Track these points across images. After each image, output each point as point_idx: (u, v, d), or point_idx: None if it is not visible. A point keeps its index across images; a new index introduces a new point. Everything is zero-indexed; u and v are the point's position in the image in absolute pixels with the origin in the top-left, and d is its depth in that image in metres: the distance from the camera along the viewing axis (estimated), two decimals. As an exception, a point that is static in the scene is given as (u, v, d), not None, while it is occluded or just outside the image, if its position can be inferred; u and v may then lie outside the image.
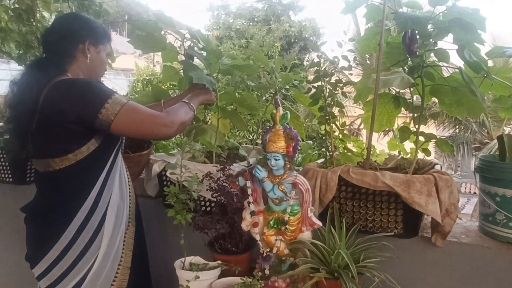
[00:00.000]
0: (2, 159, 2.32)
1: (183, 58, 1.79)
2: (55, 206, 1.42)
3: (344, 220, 1.46)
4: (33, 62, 1.56)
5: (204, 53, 1.76)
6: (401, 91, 1.75)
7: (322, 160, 1.81)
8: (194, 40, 1.74)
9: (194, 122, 1.89)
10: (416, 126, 1.59)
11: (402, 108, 1.69)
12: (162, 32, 1.74)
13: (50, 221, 1.42)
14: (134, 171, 1.86)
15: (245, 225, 1.45)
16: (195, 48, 1.75)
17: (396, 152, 1.75)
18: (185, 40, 1.76)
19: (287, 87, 1.90)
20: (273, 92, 1.89)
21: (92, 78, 1.52)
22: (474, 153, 12.10)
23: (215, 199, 1.59)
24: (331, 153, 1.72)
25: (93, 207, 1.41)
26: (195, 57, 1.75)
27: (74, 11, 2.30)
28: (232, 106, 1.94)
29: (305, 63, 14.52)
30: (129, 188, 1.56)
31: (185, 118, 1.45)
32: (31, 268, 1.46)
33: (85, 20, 1.54)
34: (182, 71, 1.86)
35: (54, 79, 1.39)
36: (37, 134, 1.41)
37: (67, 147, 1.36)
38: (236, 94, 1.88)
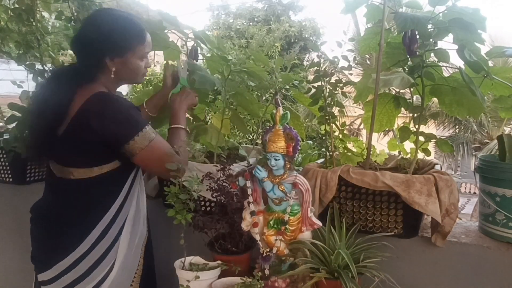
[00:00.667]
0: (2, 159, 2.32)
1: (184, 58, 1.79)
2: (76, 216, 1.39)
3: (344, 220, 1.46)
4: (63, 69, 1.48)
5: (209, 55, 1.77)
6: (401, 91, 1.75)
7: (322, 160, 1.81)
8: (198, 41, 1.74)
9: (194, 122, 1.90)
10: (416, 126, 1.59)
11: (402, 108, 1.69)
12: (165, 31, 1.75)
13: (68, 230, 1.39)
14: None
15: (245, 225, 1.45)
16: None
17: (396, 152, 1.75)
18: (188, 39, 1.76)
19: (287, 87, 1.90)
20: (273, 92, 1.89)
21: (126, 84, 1.50)
22: (474, 153, 12.10)
23: (215, 199, 1.59)
24: (331, 153, 1.72)
25: (113, 220, 1.40)
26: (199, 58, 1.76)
27: (74, 11, 2.30)
28: (232, 107, 1.94)
29: (305, 63, 14.53)
30: (145, 198, 1.56)
31: (185, 149, 1.45)
32: (38, 271, 1.43)
33: (107, 27, 1.36)
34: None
35: (87, 88, 1.34)
36: (62, 142, 1.35)
37: (92, 161, 1.35)
38: (246, 96, 1.88)
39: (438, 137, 1.66)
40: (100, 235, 1.38)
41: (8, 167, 2.32)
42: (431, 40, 1.50)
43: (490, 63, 1.54)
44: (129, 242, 1.45)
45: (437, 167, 1.59)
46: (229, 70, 1.76)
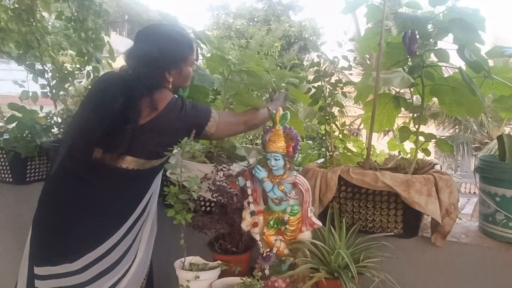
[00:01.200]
0: (2, 159, 2.32)
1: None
2: (115, 204, 1.45)
3: (344, 220, 1.46)
4: (122, 77, 1.49)
5: (209, 55, 1.77)
6: (401, 91, 1.75)
7: (322, 160, 1.81)
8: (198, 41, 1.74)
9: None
10: (416, 126, 1.59)
11: (402, 108, 1.69)
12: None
13: (106, 219, 1.43)
14: None
15: (245, 225, 1.45)
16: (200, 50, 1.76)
17: (396, 152, 1.75)
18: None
19: (286, 86, 1.90)
20: (272, 91, 1.89)
21: (179, 88, 1.61)
22: (474, 153, 12.10)
23: (215, 199, 1.59)
24: (331, 153, 1.72)
25: (142, 212, 1.50)
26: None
27: (74, 11, 2.30)
28: (232, 107, 1.94)
29: (305, 63, 14.52)
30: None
31: (260, 123, 1.66)
32: (55, 263, 1.38)
33: (164, 44, 1.47)
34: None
35: (155, 94, 1.43)
36: (144, 133, 1.42)
37: (158, 153, 1.45)
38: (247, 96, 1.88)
39: (438, 137, 1.66)
40: (131, 226, 1.46)
41: (8, 167, 2.32)
42: (431, 40, 1.50)
43: (491, 63, 1.54)
44: (148, 235, 1.55)
45: (437, 167, 1.59)
46: (229, 70, 1.76)
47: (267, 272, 1.41)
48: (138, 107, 1.40)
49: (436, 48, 1.52)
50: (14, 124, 2.26)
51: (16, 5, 2.29)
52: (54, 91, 2.38)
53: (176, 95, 1.50)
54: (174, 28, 1.54)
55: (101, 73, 2.45)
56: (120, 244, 1.43)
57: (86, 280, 1.38)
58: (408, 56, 1.55)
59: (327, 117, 1.68)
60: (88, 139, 1.41)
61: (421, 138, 1.60)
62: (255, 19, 16.52)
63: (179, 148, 1.41)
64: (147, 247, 1.57)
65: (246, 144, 2.34)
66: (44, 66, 2.36)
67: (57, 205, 1.45)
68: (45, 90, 2.39)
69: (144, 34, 1.51)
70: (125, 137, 1.38)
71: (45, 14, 2.49)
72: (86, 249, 1.39)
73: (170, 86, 1.50)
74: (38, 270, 1.42)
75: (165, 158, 1.50)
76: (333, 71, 1.68)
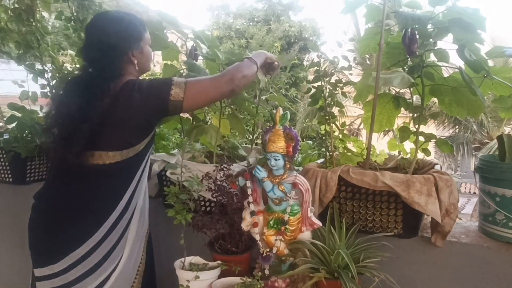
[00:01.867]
0: (2, 159, 2.32)
1: (184, 57, 1.80)
2: (92, 202, 1.42)
3: (344, 220, 1.46)
4: (84, 75, 1.50)
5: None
6: (401, 91, 1.75)
7: (322, 160, 1.81)
8: (197, 41, 1.74)
9: (194, 122, 1.90)
10: (416, 126, 1.59)
11: (402, 108, 1.69)
12: (165, 31, 1.75)
13: (85, 217, 1.41)
14: None
15: (245, 225, 1.45)
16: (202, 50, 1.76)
17: (396, 152, 1.75)
18: (188, 39, 1.76)
19: (286, 87, 1.90)
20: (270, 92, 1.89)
21: (143, 73, 1.58)
22: (474, 153, 12.10)
23: (215, 199, 1.59)
24: (331, 153, 1.72)
25: (125, 208, 1.45)
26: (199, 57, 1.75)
27: (74, 11, 2.30)
28: (232, 107, 1.94)
29: (305, 63, 14.52)
30: (147, 192, 1.60)
31: (247, 72, 1.48)
32: (43, 265, 1.41)
33: (118, 28, 1.45)
34: (182, 70, 1.86)
35: (118, 81, 1.42)
36: (100, 128, 1.39)
37: (125, 144, 1.41)
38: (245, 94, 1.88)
39: (438, 137, 1.66)
40: (113, 224, 1.42)
41: (8, 167, 2.32)
42: (431, 40, 1.50)
43: (490, 63, 1.54)
44: (136, 233, 1.49)
45: (437, 167, 1.59)
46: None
47: (267, 272, 1.40)
48: (98, 102, 1.37)
49: (436, 48, 1.52)
50: (14, 124, 2.26)
51: (16, 5, 2.29)
52: (54, 91, 2.38)
53: (132, 78, 1.47)
54: (119, 12, 1.53)
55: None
56: (103, 243, 1.40)
57: (70, 281, 1.38)
58: (408, 56, 1.55)
59: (327, 117, 1.68)
60: (55, 141, 1.45)
61: (421, 138, 1.60)
62: (255, 19, 16.51)
63: (179, 149, 1.41)
64: (136, 245, 1.51)
65: (246, 144, 2.34)
66: (44, 66, 2.36)
67: (42, 208, 1.48)
68: (45, 90, 2.39)
69: (93, 26, 1.49)
70: (84, 134, 1.36)
71: (45, 14, 2.49)
72: (68, 249, 1.38)
73: (136, 68, 1.48)
74: (35, 272, 1.45)
75: (142, 148, 1.45)
76: (333, 71, 1.68)
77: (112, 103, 1.39)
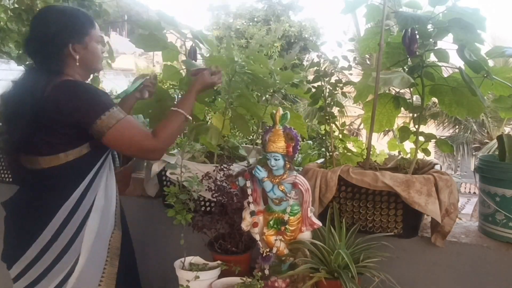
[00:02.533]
0: (1, 159, 2.32)
1: (184, 57, 1.80)
2: (36, 204, 1.39)
3: (344, 220, 1.46)
4: (27, 72, 1.45)
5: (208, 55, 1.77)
6: (401, 91, 1.75)
7: (322, 160, 1.81)
8: (196, 41, 1.74)
9: (194, 122, 1.89)
10: (416, 126, 1.59)
11: (402, 108, 1.69)
12: (164, 31, 1.75)
13: (30, 219, 1.38)
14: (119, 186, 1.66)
15: (245, 225, 1.45)
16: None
17: (396, 152, 1.75)
18: (187, 40, 1.76)
19: (285, 88, 1.90)
20: (273, 91, 1.89)
21: (92, 72, 1.51)
22: (474, 153, 12.10)
23: (215, 199, 1.59)
24: (331, 153, 1.72)
25: (75, 208, 1.38)
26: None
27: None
28: (233, 107, 1.94)
29: (305, 63, 14.52)
30: (116, 193, 1.53)
31: (176, 133, 1.45)
32: (8, 268, 1.42)
33: (59, 19, 1.39)
34: (182, 70, 1.86)
35: (55, 80, 1.34)
36: (33, 132, 1.35)
37: (60, 147, 1.35)
38: (250, 98, 1.87)
39: (438, 137, 1.66)
40: (62, 224, 1.36)
41: (7, 167, 2.32)
42: (431, 40, 1.50)
43: (490, 63, 1.54)
44: (96, 234, 1.40)
45: (437, 167, 1.59)
46: (234, 71, 1.75)
47: (267, 272, 1.40)
48: (31, 101, 1.31)
49: (436, 48, 1.52)
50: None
51: (16, 5, 2.29)
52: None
53: (70, 79, 1.37)
54: (66, 6, 1.49)
55: (101, 73, 2.45)
56: (54, 244, 1.35)
57: (28, 284, 1.36)
58: (408, 56, 1.55)
59: (327, 117, 1.68)
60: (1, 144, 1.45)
61: (421, 138, 1.60)
62: (255, 19, 16.52)
63: (179, 148, 1.40)
64: (97, 247, 1.41)
65: (246, 144, 2.34)
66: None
67: (5, 211, 1.48)
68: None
69: (36, 18, 1.45)
70: (17, 136, 1.34)
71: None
72: (20, 252, 1.36)
73: (78, 64, 1.39)
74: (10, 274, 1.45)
75: (87, 152, 1.38)
76: (333, 71, 1.68)
77: (43, 104, 1.32)
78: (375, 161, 1.71)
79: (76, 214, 1.38)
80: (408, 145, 1.66)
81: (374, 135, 1.62)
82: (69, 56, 1.38)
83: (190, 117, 1.46)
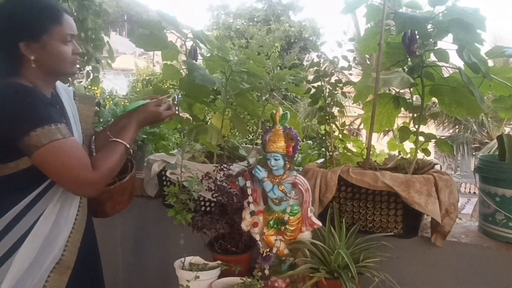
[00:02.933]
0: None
1: (184, 57, 1.79)
2: None
3: (344, 220, 1.46)
4: None
5: (209, 54, 1.77)
6: (401, 91, 1.75)
7: (322, 160, 1.81)
8: (197, 41, 1.74)
9: (194, 122, 1.89)
10: (416, 126, 1.59)
11: (402, 108, 1.69)
12: (164, 31, 1.75)
13: None
14: (123, 199, 1.54)
15: (245, 225, 1.45)
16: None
17: (396, 152, 1.75)
18: (187, 39, 1.76)
19: (285, 86, 1.90)
20: (271, 90, 1.89)
21: (57, 76, 1.31)
22: (474, 153, 12.10)
23: (215, 199, 1.59)
24: (331, 153, 1.72)
25: (7, 228, 1.19)
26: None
27: (74, 11, 2.29)
28: (232, 107, 1.94)
29: (305, 63, 14.53)
30: (77, 216, 1.32)
31: (118, 166, 1.25)
32: None
33: (14, 11, 1.20)
34: (182, 70, 1.86)
35: (1, 81, 1.19)
36: None
37: None
38: (249, 97, 1.87)
39: (438, 137, 1.66)
40: None
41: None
42: (430, 40, 1.50)
43: (491, 63, 1.54)
44: (30, 266, 1.20)
45: (437, 167, 1.59)
46: (230, 71, 1.76)
47: (267, 272, 1.40)
48: None
49: (436, 48, 1.52)
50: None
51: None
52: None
53: (10, 82, 1.18)
54: None
55: (101, 73, 2.45)
56: None
57: None
58: (408, 56, 1.55)
59: (327, 117, 1.68)
60: None
61: (421, 138, 1.60)
62: (255, 19, 16.53)
63: (179, 148, 1.39)
64: (30, 278, 1.20)
65: (246, 144, 2.34)
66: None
67: None
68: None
69: None
70: None
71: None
72: None
73: (33, 65, 1.20)
74: None
75: (23, 170, 1.18)
76: (333, 71, 1.68)
77: None
78: (375, 161, 1.71)
79: (8, 236, 1.18)
80: (408, 145, 1.66)
81: (374, 135, 1.62)
82: (23, 56, 1.20)
83: (131, 149, 1.30)
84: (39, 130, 1.11)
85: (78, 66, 1.37)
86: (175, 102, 1.57)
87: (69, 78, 2.39)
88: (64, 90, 1.41)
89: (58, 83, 1.38)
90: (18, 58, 1.20)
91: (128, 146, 1.27)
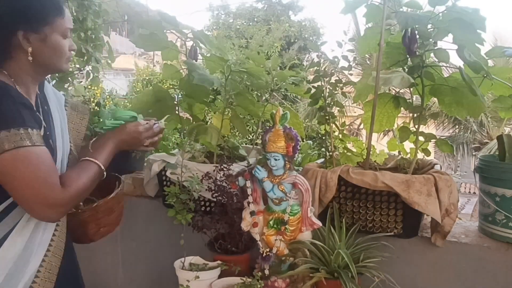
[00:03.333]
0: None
1: (184, 57, 1.80)
2: None
3: (344, 220, 1.46)
4: None
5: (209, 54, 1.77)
6: (401, 91, 1.75)
7: (322, 160, 1.81)
8: (197, 41, 1.74)
9: (194, 122, 1.89)
10: (416, 126, 1.59)
11: (402, 108, 1.69)
12: (164, 31, 1.75)
13: None
14: (109, 221, 1.35)
15: (245, 225, 1.45)
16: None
17: (396, 152, 1.75)
18: (187, 39, 1.76)
19: (286, 87, 1.90)
20: (271, 90, 1.89)
21: (49, 73, 1.24)
22: (474, 153, 12.10)
23: (215, 199, 1.59)
24: (331, 153, 1.72)
25: None
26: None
27: (74, 11, 2.29)
28: (232, 107, 1.94)
29: (304, 63, 14.54)
30: (53, 237, 1.15)
31: (89, 188, 1.11)
32: None
33: (14, 0, 1.08)
34: (182, 70, 1.86)
35: None
36: None
37: None
38: (248, 96, 1.87)
39: (438, 137, 1.66)
40: None
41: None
42: (431, 40, 1.50)
43: (491, 63, 1.54)
44: None
45: (437, 167, 1.59)
46: (229, 70, 1.76)
47: (267, 272, 1.40)
48: None
49: (436, 48, 1.52)
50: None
51: None
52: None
53: (4, 83, 1.05)
54: None
55: (101, 73, 2.45)
56: None
57: None
58: (408, 56, 1.55)
59: (327, 117, 1.68)
60: None
61: (421, 138, 1.60)
62: (255, 19, 16.54)
63: (179, 148, 1.38)
64: None
65: (246, 144, 2.34)
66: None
67: None
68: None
69: None
70: None
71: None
72: None
73: (30, 58, 1.08)
74: None
75: None
76: (333, 71, 1.68)
77: None
78: (375, 161, 1.70)
79: None
80: (408, 145, 1.66)
81: (374, 135, 1.62)
82: (18, 46, 1.07)
83: (105, 171, 1.15)
84: (3, 133, 0.96)
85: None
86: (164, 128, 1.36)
87: (69, 78, 2.39)
88: (55, 94, 1.29)
89: (50, 88, 1.28)
90: (9, 48, 1.07)
91: (102, 167, 1.13)
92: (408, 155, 1.69)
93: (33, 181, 0.98)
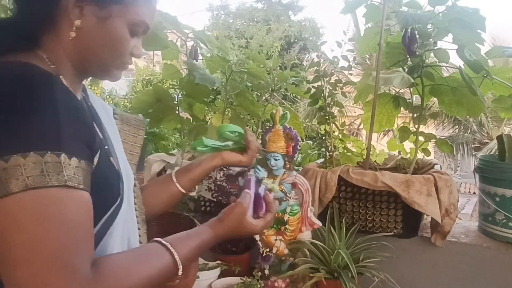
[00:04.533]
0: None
1: (184, 57, 1.80)
2: None
3: (343, 220, 1.46)
4: None
5: (209, 55, 1.77)
6: (400, 91, 1.75)
7: (321, 160, 1.81)
8: (198, 41, 1.74)
9: (194, 122, 1.89)
10: (416, 126, 1.59)
11: (402, 108, 1.69)
12: (164, 31, 1.75)
13: None
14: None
15: (245, 225, 1.45)
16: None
17: (395, 152, 1.75)
18: (188, 39, 1.76)
19: (286, 87, 1.90)
20: (271, 91, 1.89)
21: (94, 71, 0.82)
22: (473, 153, 12.11)
23: (215, 199, 1.59)
24: (330, 153, 1.72)
25: None
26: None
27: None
28: (232, 107, 1.94)
29: (304, 63, 14.54)
30: None
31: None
32: None
33: None
34: (182, 70, 1.86)
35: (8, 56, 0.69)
36: None
37: None
38: (249, 97, 1.87)
39: (438, 137, 1.66)
40: None
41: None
42: (431, 40, 1.50)
43: (490, 63, 1.54)
44: None
45: (437, 167, 1.59)
46: (230, 70, 1.76)
47: (267, 272, 1.40)
48: None
49: (436, 48, 1.52)
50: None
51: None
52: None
53: (22, 63, 0.67)
54: None
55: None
56: None
57: None
58: (408, 56, 1.55)
59: (327, 117, 1.68)
60: None
61: (421, 138, 1.60)
62: (255, 19, 16.54)
63: (179, 148, 1.39)
64: None
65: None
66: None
67: None
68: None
69: None
70: None
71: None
72: None
73: (71, 38, 0.72)
74: None
75: None
76: (333, 71, 1.68)
77: None
78: (375, 161, 1.71)
79: None
80: (408, 145, 1.66)
81: (374, 135, 1.62)
82: (65, 13, 0.71)
83: (180, 270, 0.71)
84: (13, 159, 0.56)
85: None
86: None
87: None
88: (102, 105, 0.93)
89: (95, 95, 0.94)
90: (54, 12, 0.72)
91: (178, 262, 0.71)
92: (408, 155, 1.69)
93: (41, 255, 0.54)
